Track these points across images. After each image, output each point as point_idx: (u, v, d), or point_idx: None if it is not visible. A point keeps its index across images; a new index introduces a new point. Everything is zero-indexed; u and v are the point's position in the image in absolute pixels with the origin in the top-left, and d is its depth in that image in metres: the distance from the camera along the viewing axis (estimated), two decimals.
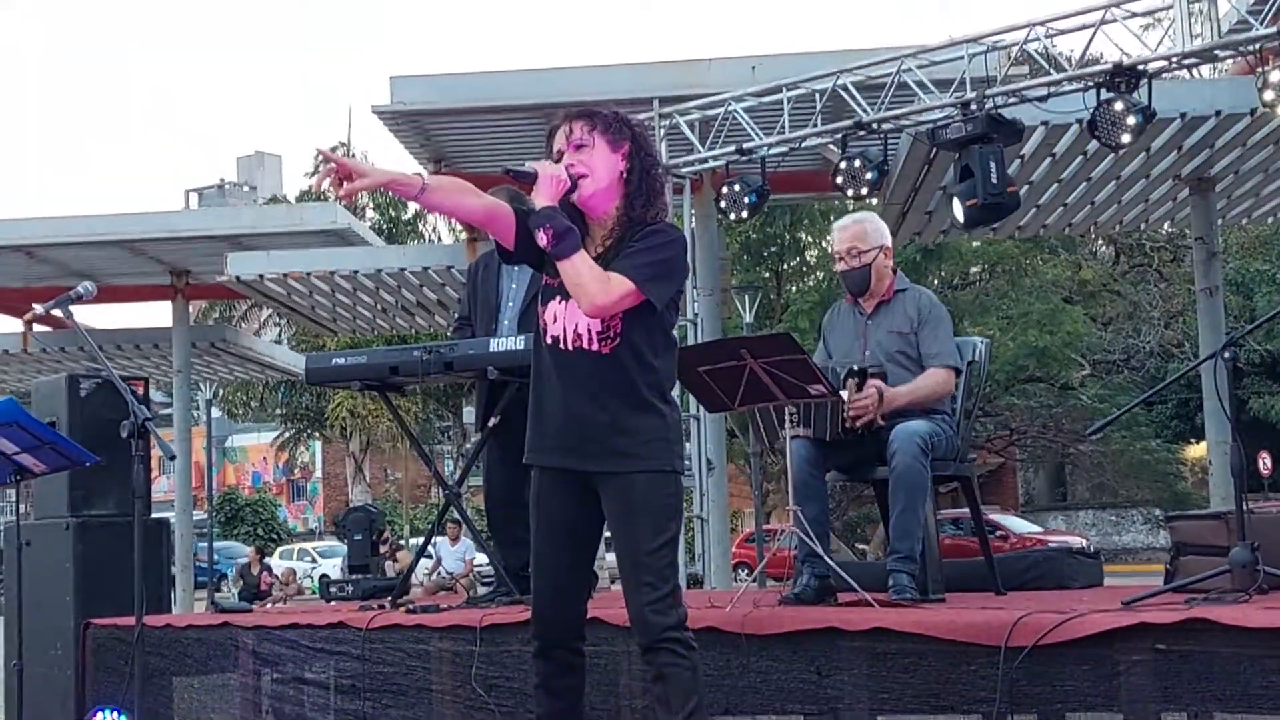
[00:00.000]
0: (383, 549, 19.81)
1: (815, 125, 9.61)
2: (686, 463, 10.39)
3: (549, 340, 3.98)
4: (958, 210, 8.69)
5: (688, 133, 10.17)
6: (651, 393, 3.93)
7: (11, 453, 5.13)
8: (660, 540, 3.88)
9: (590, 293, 3.79)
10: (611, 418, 3.90)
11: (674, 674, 3.83)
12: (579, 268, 3.80)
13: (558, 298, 3.96)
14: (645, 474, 3.90)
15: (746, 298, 23.68)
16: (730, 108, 9.90)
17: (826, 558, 5.21)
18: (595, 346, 3.90)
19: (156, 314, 18.97)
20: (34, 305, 14.90)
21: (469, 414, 30.91)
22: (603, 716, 5.12)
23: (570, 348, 3.93)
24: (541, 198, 3.85)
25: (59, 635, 7.02)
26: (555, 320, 3.96)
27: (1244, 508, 4.72)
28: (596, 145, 3.94)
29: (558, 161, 3.93)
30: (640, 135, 4.04)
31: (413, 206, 38.65)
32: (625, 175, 3.94)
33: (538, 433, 4.05)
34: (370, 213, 37.88)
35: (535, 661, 4.14)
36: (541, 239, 3.81)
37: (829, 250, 6.24)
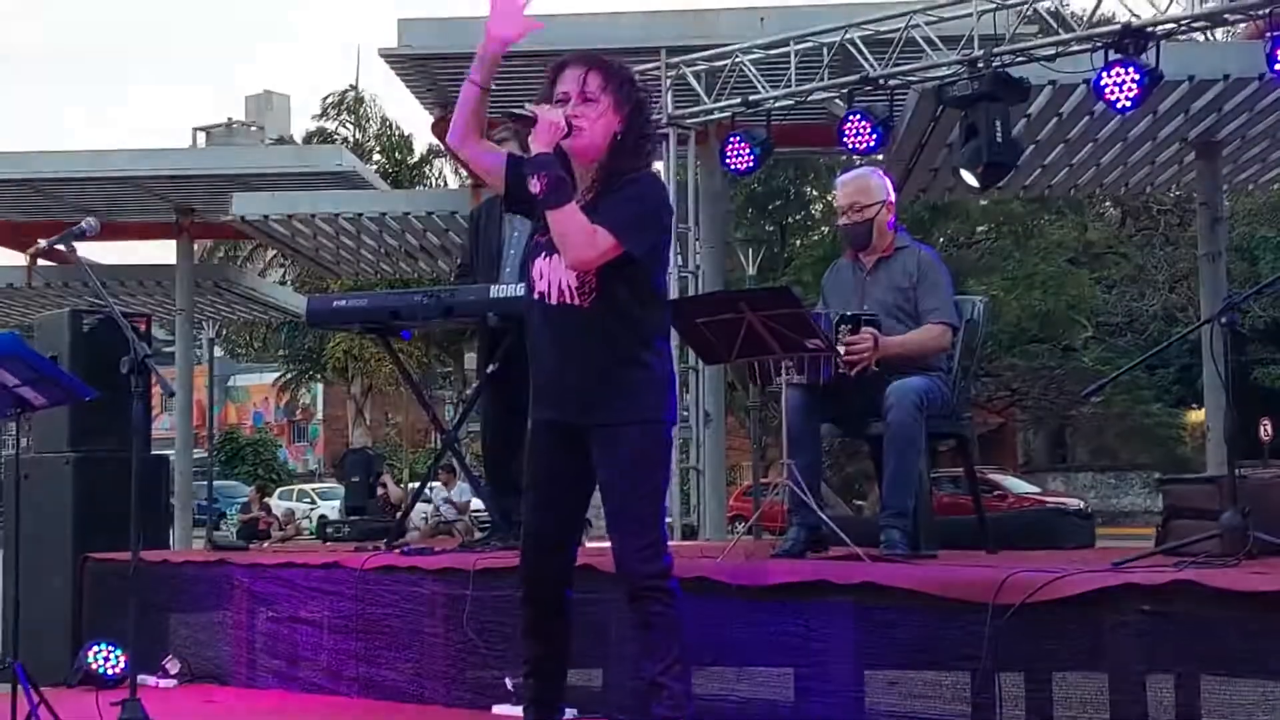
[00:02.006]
0: (381, 487, 19.95)
1: (822, 79, 9.58)
2: (685, 413, 10.41)
3: (536, 296, 4.03)
4: (968, 177, 8.69)
5: (694, 84, 10.14)
6: (635, 344, 3.96)
7: (12, 385, 5.14)
8: (645, 489, 3.96)
9: (576, 244, 3.83)
10: (596, 371, 3.94)
11: (658, 622, 3.91)
12: (568, 220, 3.82)
13: (544, 254, 4.00)
14: (630, 425, 3.94)
15: (750, 250, 23.65)
16: (737, 60, 9.87)
17: (816, 509, 5.23)
18: (577, 301, 3.93)
19: (161, 251, 18.95)
20: (38, 240, 14.92)
21: (470, 360, 30.93)
22: (593, 663, 5.17)
23: (555, 303, 3.97)
24: (538, 143, 3.86)
25: (57, 568, 7.06)
26: (541, 276, 4.00)
27: (1235, 473, 4.75)
28: (603, 102, 3.94)
29: (561, 104, 3.92)
30: (644, 101, 4.06)
31: (418, 150, 38.59)
32: (620, 136, 3.95)
33: (534, 387, 4.12)
34: (376, 155, 37.77)
35: (523, 606, 4.22)
36: (534, 185, 3.85)
37: (834, 204, 6.25)
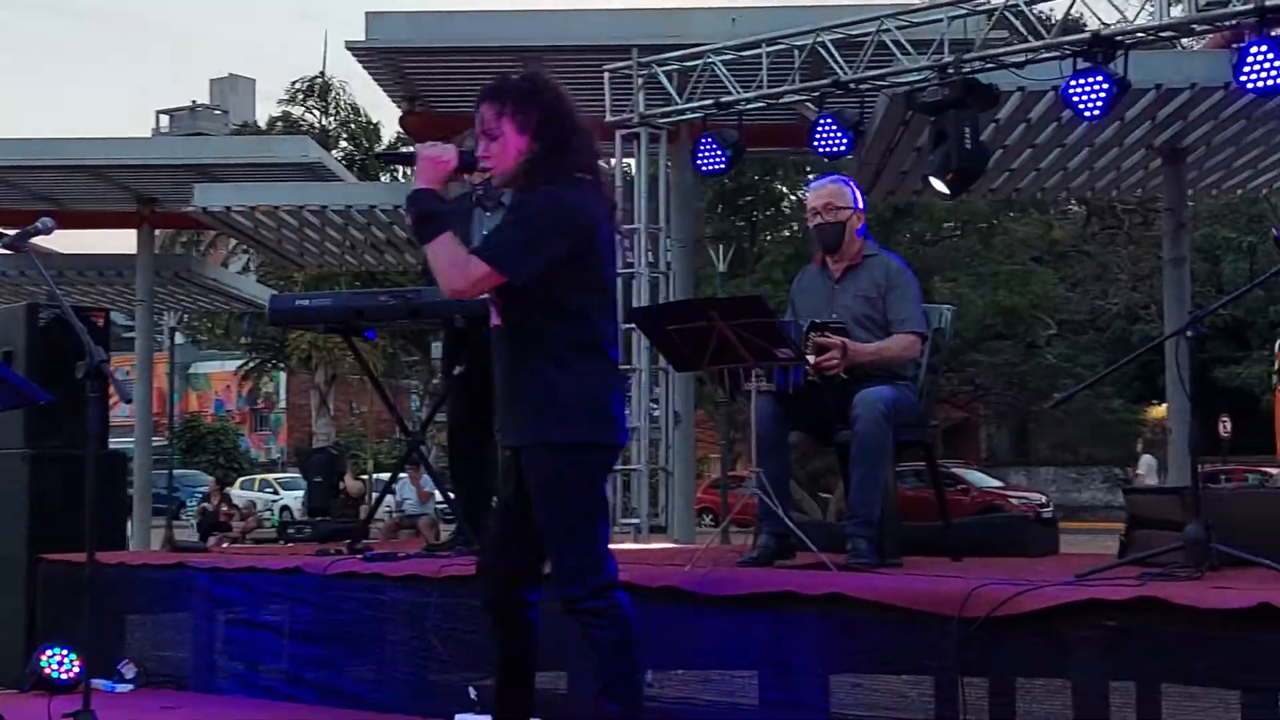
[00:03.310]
0: (341, 484, 19.86)
1: (793, 82, 9.54)
2: (655, 413, 10.37)
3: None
4: (938, 184, 8.70)
5: (665, 84, 10.09)
6: (549, 363, 3.89)
7: None
8: (559, 515, 3.92)
9: (446, 276, 3.84)
10: (513, 392, 3.97)
11: (592, 644, 3.92)
12: (437, 252, 3.83)
13: None
14: (540, 449, 3.92)
15: (720, 248, 23.65)
16: (709, 60, 9.83)
17: (786, 519, 5.24)
18: (499, 322, 4.00)
19: (122, 241, 18.79)
20: None
21: (437, 349, 30.86)
22: (557, 667, 5.14)
23: (494, 324, 4.04)
24: (420, 179, 3.90)
25: (11, 569, 6.99)
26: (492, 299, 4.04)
27: (1199, 485, 4.78)
28: (504, 132, 3.92)
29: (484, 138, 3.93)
30: (553, 107, 3.98)
31: (385, 139, 38.38)
32: (529, 154, 3.91)
33: None
34: (343, 143, 37.57)
35: (486, 613, 4.23)
36: (409, 220, 3.90)
37: (805, 205, 6.27)
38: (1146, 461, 24.14)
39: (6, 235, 5.17)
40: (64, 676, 6.19)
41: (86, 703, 4.62)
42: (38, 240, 5.06)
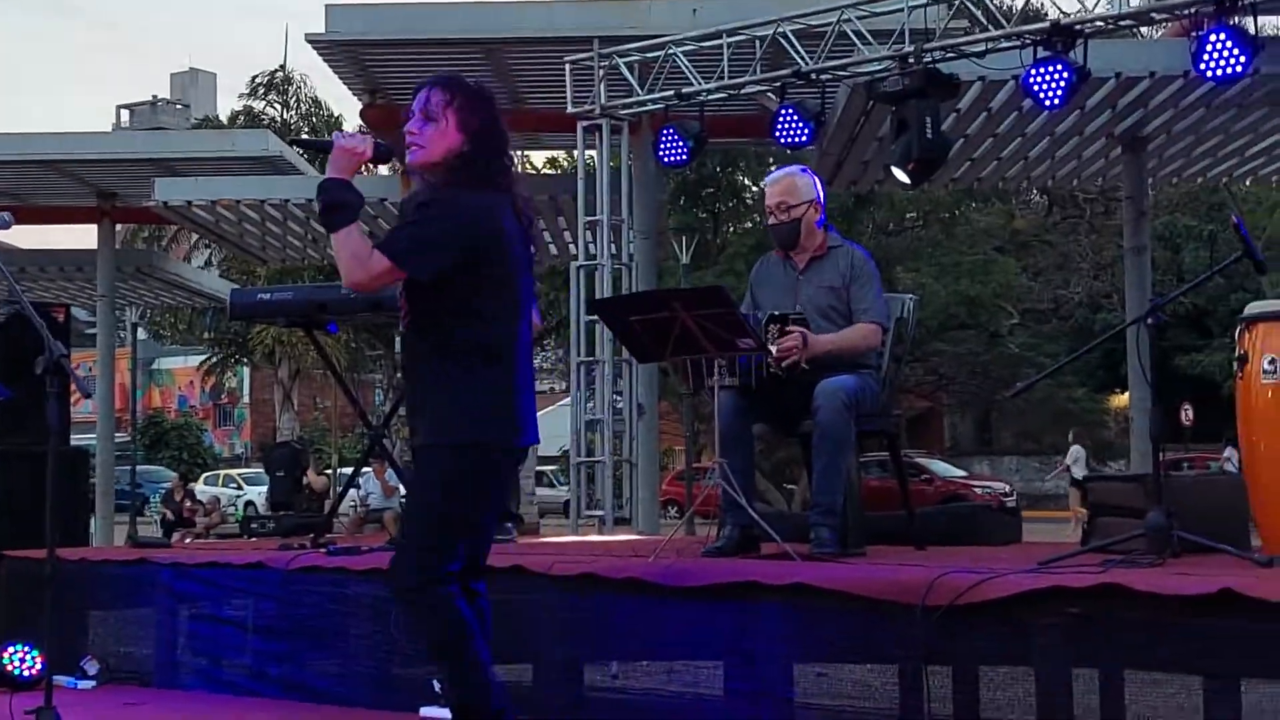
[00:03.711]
0: (305, 479, 19.78)
1: (755, 73, 9.56)
2: (618, 406, 10.38)
3: None
4: (899, 174, 8.73)
5: (627, 75, 10.09)
6: (449, 364, 3.93)
7: None
8: (411, 510, 4.20)
9: (347, 268, 3.88)
10: (413, 392, 4.05)
11: (415, 627, 4.12)
12: (342, 243, 3.87)
13: None
14: (420, 448, 4.00)
15: (683, 239, 23.64)
16: (670, 51, 9.83)
17: (750, 509, 5.24)
18: (402, 325, 4.05)
19: (82, 236, 18.67)
20: None
21: (400, 343, 30.77)
22: (524, 659, 5.14)
23: (402, 327, 4.10)
24: (332, 169, 3.95)
25: None
26: None
27: (1160, 472, 4.81)
28: (446, 120, 3.96)
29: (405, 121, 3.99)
30: (494, 120, 4.05)
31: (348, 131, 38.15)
32: (459, 154, 3.96)
33: None
34: (305, 136, 37.37)
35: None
36: (317, 208, 3.97)
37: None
38: (1074, 452, 24.10)
39: None
40: (26, 674, 6.12)
41: (48, 699, 4.58)
42: None
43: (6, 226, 4.86)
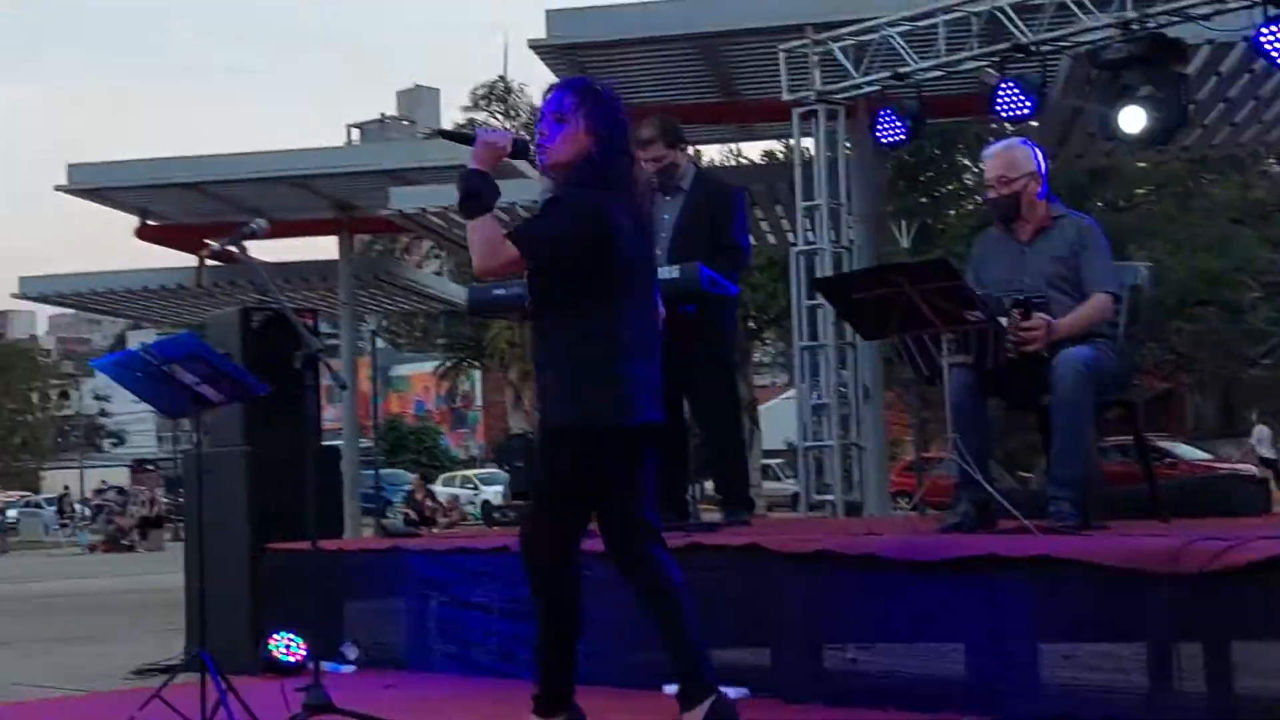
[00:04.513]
0: None
1: (972, 49, 9.44)
2: (843, 389, 10.36)
3: None
4: (1128, 122, 8.47)
5: (841, 59, 10.07)
6: (555, 350, 4.24)
7: (192, 384, 5.32)
8: (537, 486, 4.50)
9: (479, 254, 4.17)
10: (542, 373, 4.31)
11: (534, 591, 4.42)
12: (476, 230, 4.16)
13: None
14: (544, 430, 4.32)
15: (903, 223, 23.41)
16: (885, 33, 9.78)
17: (985, 484, 5.19)
18: (531, 305, 4.34)
19: (321, 248, 19.37)
20: (206, 241, 15.37)
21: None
22: (762, 642, 5.20)
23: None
24: (474, 160, 4.24)
25: (236, 559, 7.26)
26: None
27: None
28: (576, 123, 4.23)
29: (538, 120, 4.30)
30: (621, 124, 4.30)
31: None
32: (586, 157, 4.22)
33: None
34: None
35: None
36: (457, 198, 4.23)
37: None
38: (1260, 432, 23.14)
39: (219, 244, 5.40)
40: (292, 659, 6.47)
41: (317, 679, 4.84)
42: (248, 248, 5.31)
43: (263, 231, 5.13)
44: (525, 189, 10.82)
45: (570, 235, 4.15)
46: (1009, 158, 5.65)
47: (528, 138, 4.34)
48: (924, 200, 29.26)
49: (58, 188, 16.02)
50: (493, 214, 4.21)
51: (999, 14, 9.18)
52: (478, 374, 53.99)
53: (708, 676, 4.26)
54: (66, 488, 50.70)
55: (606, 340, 4.20)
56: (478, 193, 4.19)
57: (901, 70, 9.67)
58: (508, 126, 38.71)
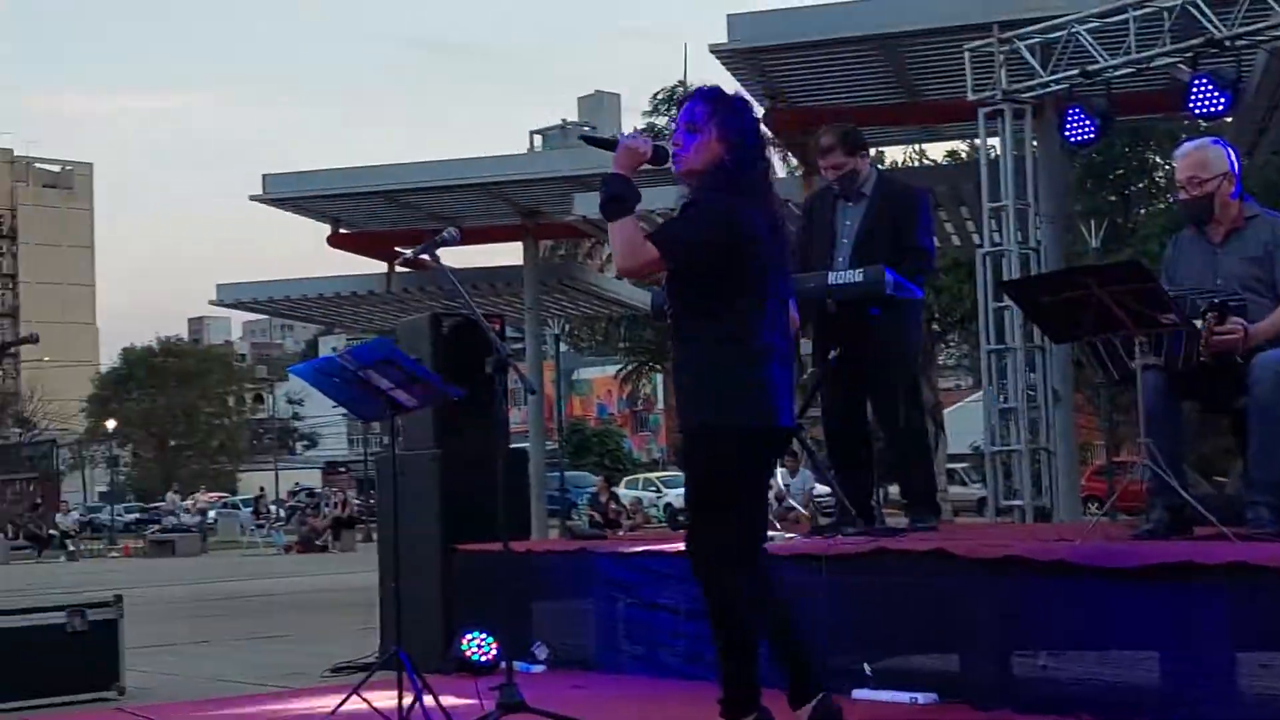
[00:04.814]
0: None
1: (1163, 44, 9.23)
2: (1032, 393, 10.22)
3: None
4: None
5: (1028, 57, 9.93)
6: (701, 349, 4.33)
7: (386, 388, 5.49)
8: (693, 487, 4.45)
9: (621, 255, 4.32)
10: (678, 379, 4.46)
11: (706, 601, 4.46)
12: (617, 232, 4.28)
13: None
14: (689, 430, 4.39)
15: (1092, 223, 22.92)
16: (1073, 30, 9.62)
17: (1180, 489, 5.09)
18: (670, 309, 4.45)
19: (503, 254, 19.72)
20: (397, 249, 15.77)
21: (806, 345, 31.01)
22: (951, 648, 5.17)
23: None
24: (616, 165, 4.35)
25: (427, 560, 7.41)
26: None
27: None
28: (709, 132, 4.34)
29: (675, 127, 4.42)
30: (752, 130, 4.42)
31: None
32: (719, 164, 4.32)
33: None
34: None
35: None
36: (600, 200, 4.34)
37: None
38: None
39: (412, 252, 5.56)
40: (483, 659, 6.60)
41: (509, 677, 4.96)
42: (440, 254, 5.45)
43: (455, 239, 5.28)
44: (665, 196, 10.92)
45: (705, 240, 4.26)
46: (1201, 158, 5.52)
47: (667, 146, 4.44)
48: (1113, 199, 28.61)
49: (253, 197, 16.53)
50: (634, 216, 4.31)
51: (1191, 8, 8.96)
52: (659, 377, 54.26)
53: (816, 676, 4.41)
54: (262, 489, 52.37)
55: (740, 344, 4.29)
56: (620, 196, 4.30)
57: (1090, 68, 9.50)
58: None
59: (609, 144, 4.45)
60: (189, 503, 50.57)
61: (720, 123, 4.33)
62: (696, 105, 4.39)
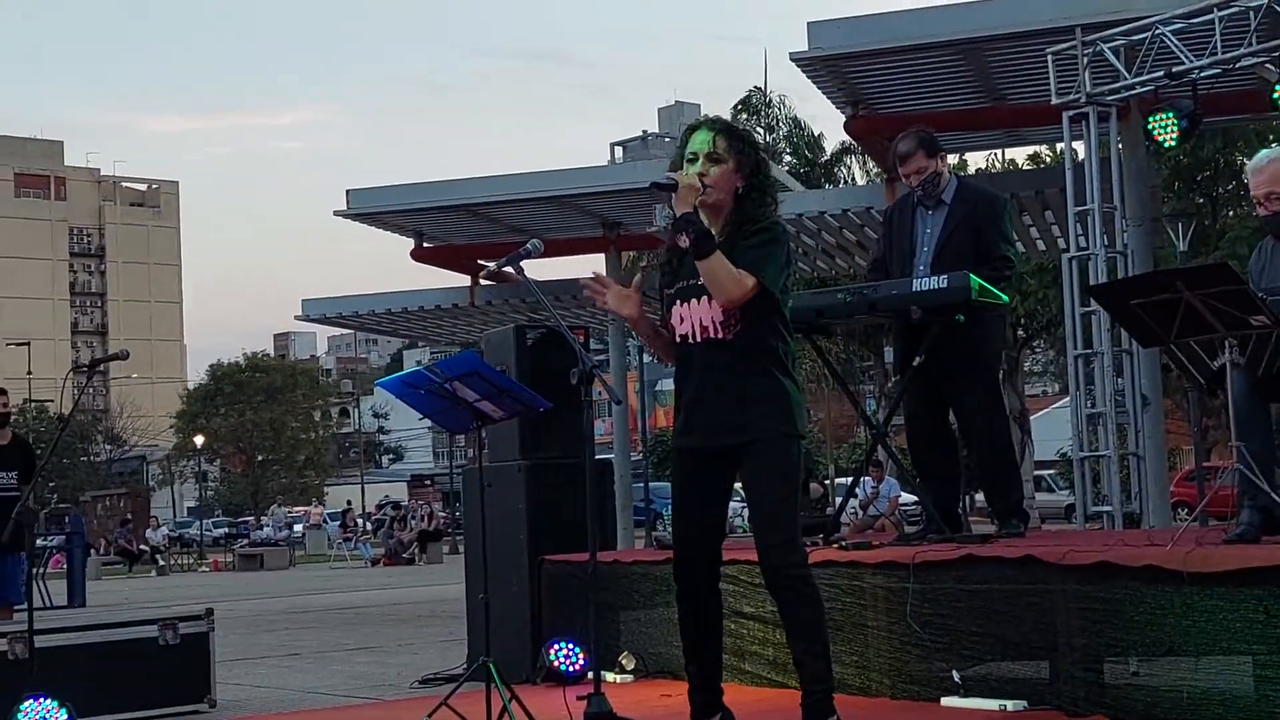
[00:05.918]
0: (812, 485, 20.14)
1: (1250, 44, 9.11)
2: (1120, 398, 10.11)
3: (679, 339, 4.72)
4: None
5: (1112, 59, 9.84)
6: (772, 367, 4.57)
7: (472, 400, 5.55)
8: (780, 493, 4.56)
9: (727, 288, 4.48)
10: (738, 395, 4.55)
11: (794, 614, 4.65)
12: (716, 266, 4.46)
13: (679, 301, 4.70)
14: (767, 440, 4.53)
15: (1180, 225, 22.62)
16: (1158, 31, 9.52)
17: (1271, 492, 5.03)
18: (720, 335, 4.58)
19: (585, 266, 19.76)
20: (481, 262, 15.87)
21: (890, 354, 30.88)
22: (1040, 655, 5.14)
23: (699, 339, 4.63)
24: (681, 205, 4.53)
25: (515, 570, 7.49)
26: (682, 321, 4.70)
27: None
28: (729, 162, 4.63)
29: (690, 162, 4.65)
30: (762, 159, 4.75)
31: (829, 148, 38.77)
32: (741, 190, 4.64)
33: (682, 419, 4.73)
34: (787, 156, 38.19)
35: (683, 600, 4.92)
36: (683, 241, 4.52)
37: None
38: None
39: (496, 265, 5.62)
40: (571, 669, 6.64)
41: (598, 687, 5.00)
42: (524, 266, 5.51)
43: (538, 252, 5.33)
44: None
45: (788, 260, 4.59)
46: (1277, 171, 5.44)
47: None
48: (1201, 201, 28.21)
49: (337, 213, 16.69)
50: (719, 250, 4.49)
51: (1277, 6, 8.84)
52: None
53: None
54: (349, 502, 52.93)
55: (793, 358, 4.66)
56: (706, 232, 4.51)
57: (1176, 69, 9.40)
58: (767, 140, 38.87)
59: (672, 186, 4.59)
60: (310, 509, 51.25)
61: (738, 153, 4.65)
62: (718, 139, 4.65)
